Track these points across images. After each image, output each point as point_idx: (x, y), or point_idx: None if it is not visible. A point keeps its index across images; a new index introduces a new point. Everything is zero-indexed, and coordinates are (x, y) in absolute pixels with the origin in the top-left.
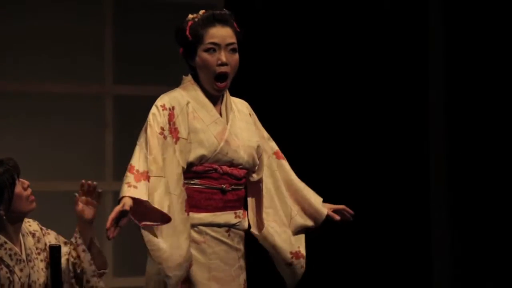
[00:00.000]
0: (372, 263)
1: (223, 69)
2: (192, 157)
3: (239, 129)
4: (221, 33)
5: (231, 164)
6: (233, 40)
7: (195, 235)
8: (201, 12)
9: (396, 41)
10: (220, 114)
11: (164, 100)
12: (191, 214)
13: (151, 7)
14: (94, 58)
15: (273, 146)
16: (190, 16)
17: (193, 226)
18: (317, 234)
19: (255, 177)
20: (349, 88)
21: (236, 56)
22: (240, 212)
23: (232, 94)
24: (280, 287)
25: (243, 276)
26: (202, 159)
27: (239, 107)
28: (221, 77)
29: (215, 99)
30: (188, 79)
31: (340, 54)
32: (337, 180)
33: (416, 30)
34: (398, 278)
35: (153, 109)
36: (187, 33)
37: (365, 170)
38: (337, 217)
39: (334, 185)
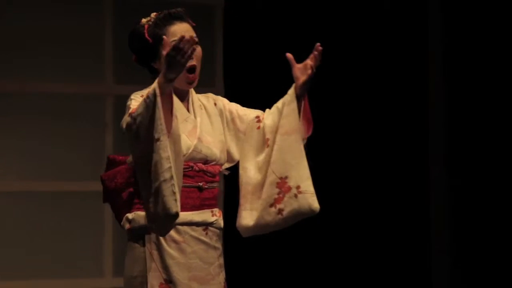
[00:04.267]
0: (372, 263)
1: (191, 63)
2: None
3: (207, 126)
4: (182, 29)
5: (206, 161)
6: (193, 34)
7: (174, 234)
8: (153, 14)
9: (396, 41)
10: (188, 112)
11: (140, 92)
12: None
13: (151, 7)
14: (94, 58)
15: (257, 114)
16: (144, 20)
17: None
18: (316, 233)
19: (224, 168)
20: (350, 88)
21: (199, 48)
22: (216, 210)
23: (233, 93)
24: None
25: (222, 275)
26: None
27: (204, 102)
28: (191, 69)
29: (182, 97)
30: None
31: (340, 54)
32: (337, 180)
33: (416, 30)
34: (397, 278)
35: (131, 97)
36: (146, 36)
37: (365, 170)
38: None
39: (334, 185)
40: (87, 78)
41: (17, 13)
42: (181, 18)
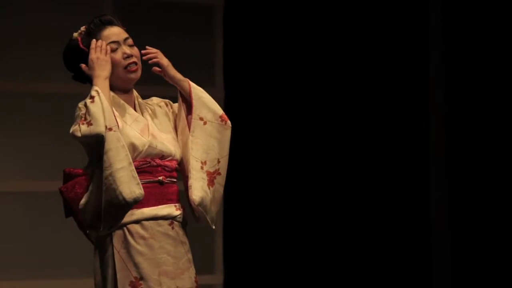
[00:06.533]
0: (372, 262)
1: (130, 60)
2: None
3: (157, 124)
4: (115, 32)
5: (162, 156)
6: (128, 35)
7: (141, 231)
8: (83, 28)
9: (396, 41)
10: (136, 112)
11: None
12: (134, 210)
13: (150, 7)
14: None
15: None
16: (75, 34)
17: (136, 222)
18: (316, 233)
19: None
20: (350, 88)
21: (136, 49)
22: (178, 205)
23: (233, 93)
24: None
25: (192, 270)
26: (134, 151)
27: (149, 105)
28: (131, 65)
29: (128, 100)
30: None
31: (341, 54)
32: (338, 180)
33: (416, 30)
34: (398, 278)
35: (79, 106)
36: (81, 46)
37: (365, 170)
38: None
39: (335, 186)
40: None
41: (17, 13)
42: (111, 23)
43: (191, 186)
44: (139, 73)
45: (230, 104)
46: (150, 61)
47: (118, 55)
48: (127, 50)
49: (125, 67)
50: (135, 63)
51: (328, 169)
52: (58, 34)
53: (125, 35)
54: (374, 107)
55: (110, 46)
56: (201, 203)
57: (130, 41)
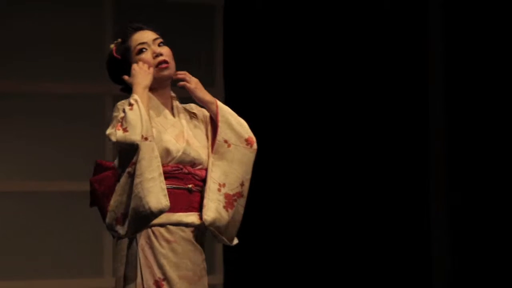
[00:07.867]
0: (372, 263)
1: (160, 58)
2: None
3: (192, 131)
4: (143, 34)
5: (193, 164)
6: (157, 36)
7: (166, 234)
8: (119, 39)
9: (396, 41)
10: (173, 117)
11: (126, 101)
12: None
13: (151, 7)
14: (94, 58)
15: None
16: (111, 45)
17: (161, 225)
18: (316, 233)
19: None
20: (350, 88)
21: (167, 48)
22: (200, 214)
23: (233, 93)
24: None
25: (206, 279)
26: (168, 156)
27: (187, 111)
28: (161, 63)
29: (166, 103)
30: None
31: (341, 54)
32: (338, 180)
33: (416, 30)
34: (398, 278)
35: (118, 107)
36: (115, 55)
37: (365, 170)
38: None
39: (335, 186)
40: (87, 78)
41: (18, 14)
42: (141, 28)
43: (205, 206)
44: (171, 70)
45: (230, 104)
46: (177, 84)
47: (147, 55)
48: (157, 49)
49: (157, 66)
50: (166, 61)
51: (329, 168)
52: (59, 35)
53: (154, 36)
54: (374, 107)
55: (139, 47)
56: (212, 224)
57: (159, 41)
